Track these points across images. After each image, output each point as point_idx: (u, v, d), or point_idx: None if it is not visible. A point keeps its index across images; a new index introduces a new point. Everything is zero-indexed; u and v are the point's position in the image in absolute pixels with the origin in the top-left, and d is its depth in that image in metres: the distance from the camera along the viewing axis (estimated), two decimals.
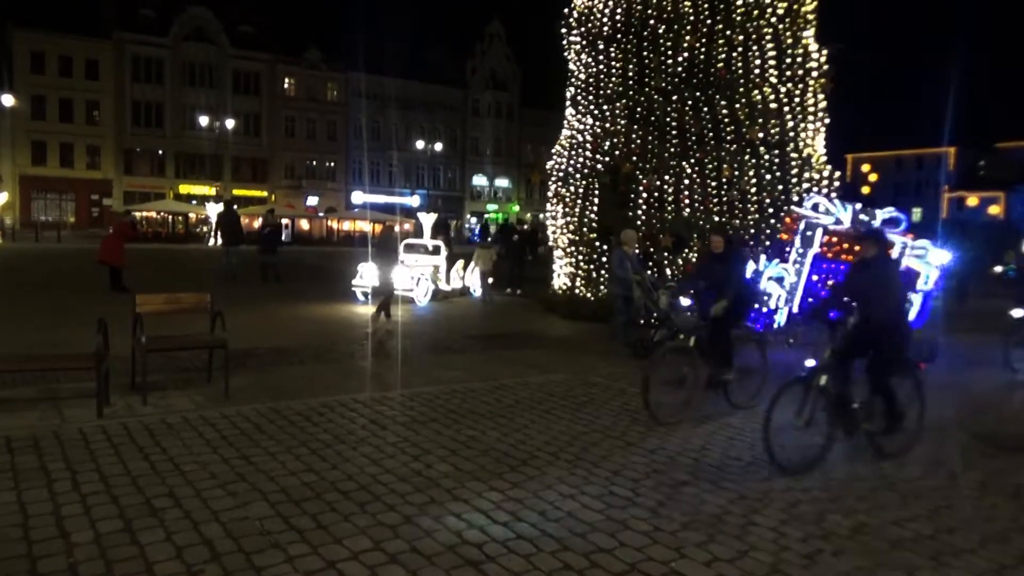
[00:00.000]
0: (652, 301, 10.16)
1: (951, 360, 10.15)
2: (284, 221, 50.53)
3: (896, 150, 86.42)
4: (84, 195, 52.17)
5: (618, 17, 13.53)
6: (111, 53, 51.96)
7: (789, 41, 13.31)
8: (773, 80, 13.21)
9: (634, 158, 13.07)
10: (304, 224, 51.90)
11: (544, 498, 4.59)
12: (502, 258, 19.40)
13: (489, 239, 33.92)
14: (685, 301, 7.09)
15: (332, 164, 61.61)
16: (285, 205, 54.58)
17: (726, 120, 12.93)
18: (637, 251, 11.07)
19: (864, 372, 5.74)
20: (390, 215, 52.13)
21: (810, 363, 5.58)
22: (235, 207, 24.43)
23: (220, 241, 21.57)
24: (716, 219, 12.65)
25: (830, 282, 10.26)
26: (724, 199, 12.77)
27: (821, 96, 13.73)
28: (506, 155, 69.73)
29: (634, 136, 13.21)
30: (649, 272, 11.43)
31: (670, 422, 6.38)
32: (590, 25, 14.08)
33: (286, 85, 59.00)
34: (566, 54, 14.94)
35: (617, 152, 13.32)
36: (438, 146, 64.22)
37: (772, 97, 13.21)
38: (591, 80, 14.19)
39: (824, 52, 13.66)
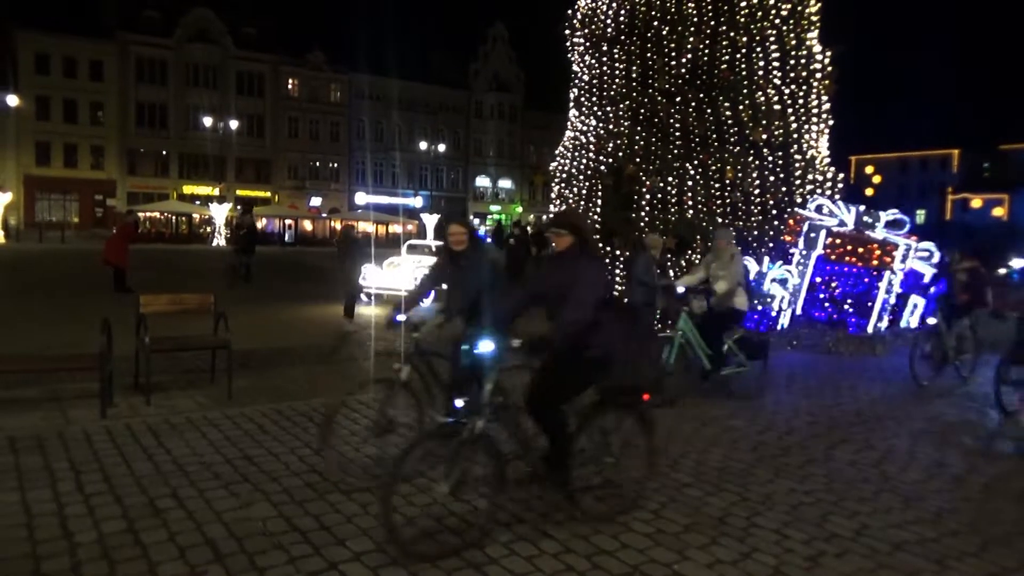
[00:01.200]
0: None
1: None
2: (288, 222, 50.77)
3: (900, 152, 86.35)
4: (88, 195, 52.27)
5: (621, 19, 13.54)
6: (115, 54, 52.09)
7: (793, 43, 13.31)
8: (777, 82, 13.21)
9: (637, 160, 13.08)
10: (307, 225, 52.03)
11: (546, 499, 4.59)
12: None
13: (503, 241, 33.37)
14: (401, 317, 5.17)
15: (335, 165, 61.70)
16: (288, 206, 54.75)
17: (729, 122, 12.94)
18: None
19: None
20: (393, 216, 52.25)
21: (460, 403, 4.19)
22: (252, 209, 24.73)
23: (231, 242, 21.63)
24: (719, 220, 12.65)
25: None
26: (727, 201, 12.78)
27: (825, 98, 13.73)
28: (509, 156, 69.78)
29: (637, 138, 13.22)
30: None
31: (364, 488, 4.57)
32: (593, 27, 14.09)
33: (289, 86, 59.09)
34: (569, 56, 14.96)
35: (620, 153, 13.33)
36: (441, 147, 64.31)
37: (776, 99, 13.22)
38: (594, 82, 14.21)
39: (828, 54, 13.66)
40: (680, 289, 7.88)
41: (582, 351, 4.07)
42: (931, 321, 9.47)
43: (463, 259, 5.14)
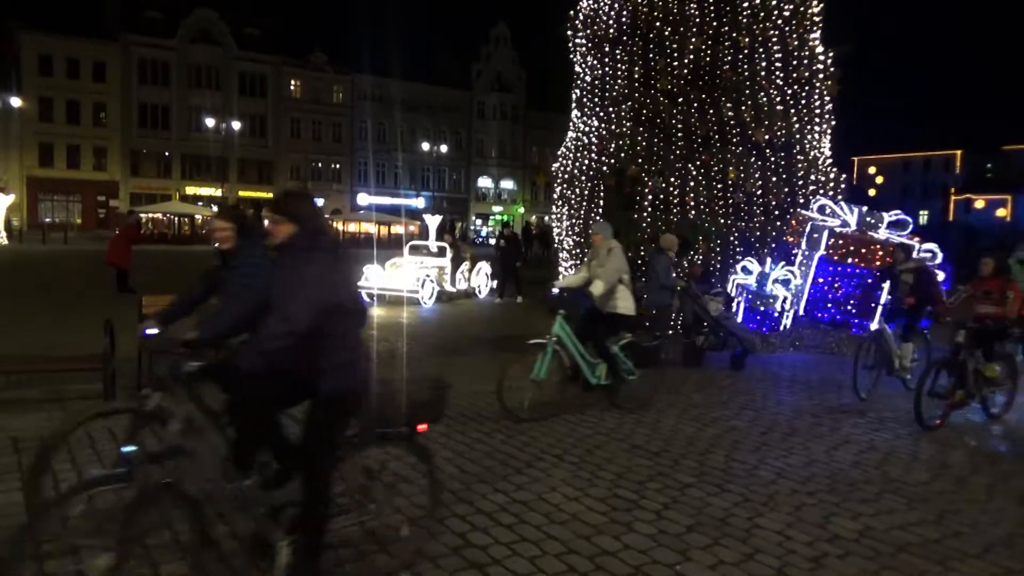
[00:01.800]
0: (701, 308, 10.00)
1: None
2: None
3: (903, 152, 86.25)
4: (91, 196, 52.37)
5: (624, 19, 13.53)
6: (118, 55, 52.20)
7: (795, 43, 13.28)
8: (779, 82, 13.19)
9: (639, 160, 13.06)
10: None
11: (549, 500, 4.59)
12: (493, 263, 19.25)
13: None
14: (152, 331, 4.10)
15: (337, 166, 61.78)
16: None
17: (732, 122, 12.91)
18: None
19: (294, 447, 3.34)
20: (395, 216, 52.23)
21: (129, 448, 3.24)
22: (262, 211, 24.83)
23: None
24: (721, 221, 12.65)
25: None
26: (730, 201, 12.76)
27: (827, 98, 13.69)
28: (511, 157, 69.78)
29: (639, 138, 13.19)
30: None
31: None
32: (596, 27, 14.08)
33: (292, 87, 59.17)
34: (572, 56, 14.95)
35: (622, 154, 13.31)
36: (443, 148, 64.34)
37: (778, 99, 13.19)
38: (597, 82, 14.19)
39: (830, 54, 13.64)
40: (554, 291, 7.19)
41: (303, 384, 3.08)
42: (874, 325, 8.67)
43: (233, 260, 4.28)
